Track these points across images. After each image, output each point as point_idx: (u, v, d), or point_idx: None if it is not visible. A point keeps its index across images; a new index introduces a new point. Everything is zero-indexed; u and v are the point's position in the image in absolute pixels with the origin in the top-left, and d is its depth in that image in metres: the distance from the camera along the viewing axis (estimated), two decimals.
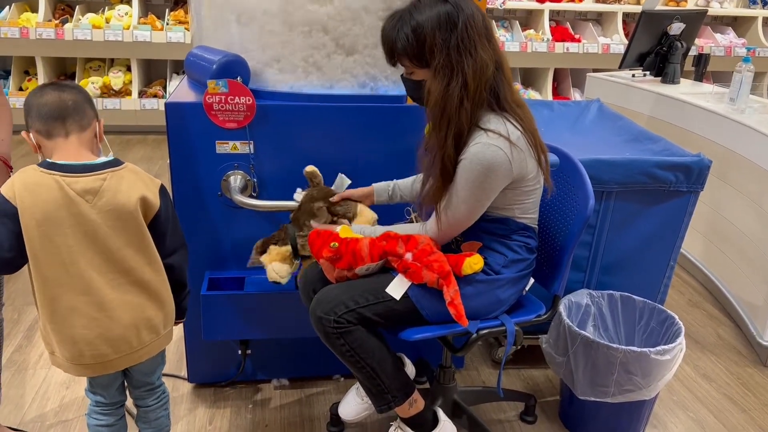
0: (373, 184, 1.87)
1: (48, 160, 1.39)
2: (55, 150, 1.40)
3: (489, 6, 5.44)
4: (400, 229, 1.68)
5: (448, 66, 1.49)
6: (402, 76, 1.63)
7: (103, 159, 1.42)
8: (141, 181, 1.45)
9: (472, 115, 1.52)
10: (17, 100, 4.88)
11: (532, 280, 1.79)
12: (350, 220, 1.80)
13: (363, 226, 1.75)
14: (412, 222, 1.87)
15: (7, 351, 2.36)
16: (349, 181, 1.86)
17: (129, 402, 1.66)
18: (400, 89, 1.97)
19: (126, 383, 1.62)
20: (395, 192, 1.86)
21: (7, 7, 5.03)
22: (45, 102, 1.39)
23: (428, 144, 1.63)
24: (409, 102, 1.93)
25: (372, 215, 1.83)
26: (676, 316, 2.02)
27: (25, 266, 1.41)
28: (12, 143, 1.77)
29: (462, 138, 1.52)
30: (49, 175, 1.36)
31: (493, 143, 1.50)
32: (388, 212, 1.90)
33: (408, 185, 1.87)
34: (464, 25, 1.47)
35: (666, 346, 1.84)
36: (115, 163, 1.43)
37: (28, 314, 2.61)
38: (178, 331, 2.23)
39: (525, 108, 1.59)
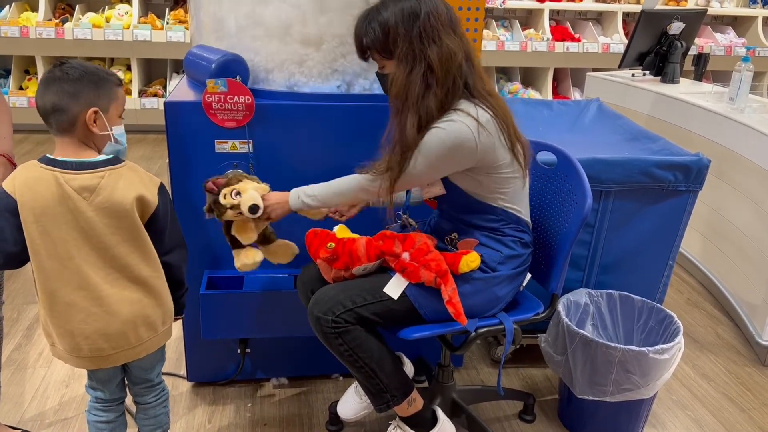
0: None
1: (48, 155, 1.40)
2: (56, 145, 1.41)
3: (489, 5, 5.43)
4: (341, 180, 1.67)
5: (410, 54, 1.53)
6: (377, 73, 1.66)
7: (102, 157, 1.42)
8: (139, 179, 1.45)
9: (444, 103, 1.55)
10: (17, 99, 4.88)
11: (528, 276, 1.79)
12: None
13: (303, 187, 1.70)
14: (405, 225, 1.84)
15: (7, 349, 2.36)
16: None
17: (129, 400, 1.66)
18: None
19: (126, 380, 1.62)
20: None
21: (8, 6, 5.03)
22: (36, 100, 1.39)
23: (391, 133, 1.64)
24: None
25: (263, 184, 1.76)
26: (675, 316, 2.02)
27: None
28: (14, 142, 1.77)
29: (431, 122, 1.55)
30: (49, 171, 1.37)
31: (461, 120, 1.53)
32: (374, 216, 1.88)
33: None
34: (426, 15, 1.52)
35: (664, 346, 1.85)
36: (114, 161, 1.43)
37: (28, 313, 2.61)
38: (178, 330, 2.24)
39: (498, 98, 1.63)
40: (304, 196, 1.69)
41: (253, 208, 1.67)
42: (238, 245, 1.78)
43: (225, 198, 1.68)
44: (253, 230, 1.76)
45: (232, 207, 1.68)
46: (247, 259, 1.78)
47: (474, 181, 1.61)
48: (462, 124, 1.52)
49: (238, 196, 1.67)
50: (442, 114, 1.56)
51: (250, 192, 1.68)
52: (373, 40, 1.56)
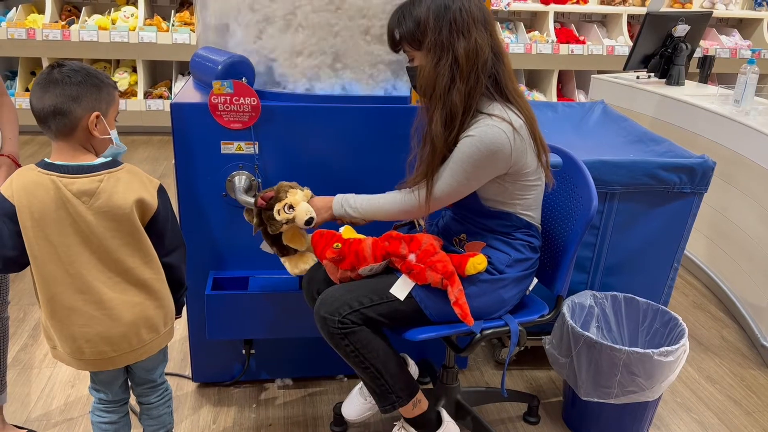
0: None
1: (45, 160, 1.39)
2: (53, 149, 1.41)
3: (494, 8, 5.44)
4: (382, 197, 1.69)
5: (438, 44, 1.54)
6: (407, 66, 1.66)
7: (101, 160, 1.42)
8: (139, 182, 1.44)
9: (468, 98, 1.55)
10: (24, 101, 4.90)
11: (535, 280, 1.79)
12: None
13: (347, 196, 1.72)
14: (414, 225, 1.86)
15: (13, 350, 2.37)
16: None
17: (133, 400, 1.67)
18: (405, 90, 1.97)
19: (129, 381, 1.63)
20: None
21: (14, 8, 5.06)
22: (31, 102, 1.37)
23: (419, 122, 1.66)
24: (414, 102, 1.94)
25: (306, 190, 1.77)
26: (680, 318, 2.02)
27: None
28: (19, 143, 1.78)
29: (455, 120, 1.55)
30: (47, 176, 1.36)
31: (497, 125, 1.53)
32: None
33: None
34: (458, 8, 1.53)
35: (669, 348, 1.84)
36: (112, 164, 1.42)
37: (34, 313, 2.62)
38: (183, 330, 2.25)
39: (526, 101, 1.63)
40: (348, 206, 1.70)
41: (309, 221, 1.70)
42: (288, 252, 1.81)
43: (280, 214, 1.70)
44: (304, 236, 1.80)
45: (287, 221, 1.70)
46: (305, 264, 1.82)
47: (499, 187, 1.61)
48: (497, 129, 1.52)
49: (291, 210, 1.70)
50: (467, 114, 1.56)
51: (303, 205, 1.70)
52: (403, 31, 1.58)
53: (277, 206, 1.70)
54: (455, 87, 1.53)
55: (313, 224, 1.70)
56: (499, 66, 1.58)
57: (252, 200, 1.78)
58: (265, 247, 1.83)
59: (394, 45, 1.64)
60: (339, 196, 1.72)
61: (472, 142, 1.53)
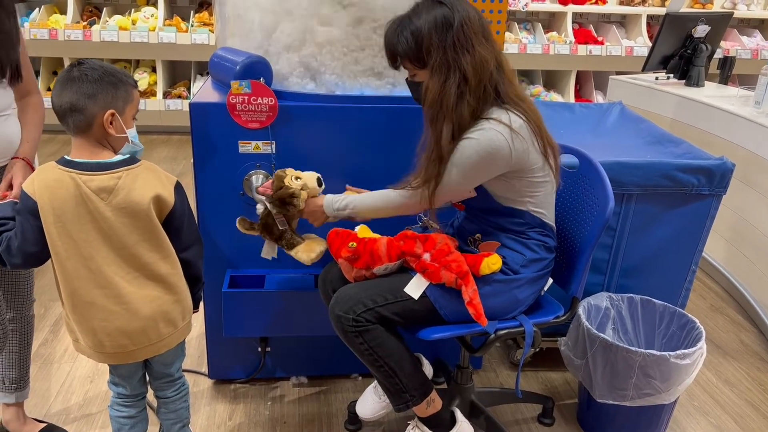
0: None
1: (66, 157, 1.42)
2: (72, 145, 1.43)
3: (511, 8, 5.42)
4: (379, 194, 1.70)
5: (444, 64, 1.53)
6: (407, 80, 1.66)
7: (119, 157, 1.44)
8: (157, 178, 1.47)
9: (477, 110, 1.55)
10: (45, 101, 4.95)
11: (550, 281, 1.79)
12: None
13: (344, 196, 1.75)
14: (425, 226, 1.86)
15: (34, 345, 2.39)
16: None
17: (150, 395, 1.69)
18: None
19: (147, 375, 1.65)
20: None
21: (37, 8, 5.14)
22: (52, 99, 1.40)
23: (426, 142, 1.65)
24: None
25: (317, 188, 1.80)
26: (697, 321, 2.00)
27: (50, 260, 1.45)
28: (40, 143, 1.81)
29: (463, 131, 1.55)
30: (66, 173, 1.39)
31: (493, 128, 1.53)
32: (396, 216, 1.89)
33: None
34: (460, 24, 1.52)
35: (686, 351, 1.83)
36: (131, 161, 1.45)
37: (54, 309, 2.66)
38: (200, 327, 2.27)
39: (528, 102, 1.62)
40: (332, 210, 1.72)
41: (320, 180, 1.77)
42: (295, 244, 1.82)
43: (292, 182, 1.75)
44: (316, 240, 1.84)
45: (303, 188, 1.75)
46: (319, 246, 1.81)
47: (506, 184, 1.61)
48: (495, 132, 1.52)
49: (298, 179, 1.75)
50: (474, 122, 1.56)
51: (308, 172, 1.78)
52: (405, 49, 1.56)
53: (286, 180, 1.75)
54: (464, 102, 1.53)
55: (323, 187, 1.76)
56: (500, 75, 1.57)
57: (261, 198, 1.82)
58: (266, 251, 1.85)
59: (394, 62, 1.63)
60: (328, 197, 1.75)
61: (470, 145, 1.53)
